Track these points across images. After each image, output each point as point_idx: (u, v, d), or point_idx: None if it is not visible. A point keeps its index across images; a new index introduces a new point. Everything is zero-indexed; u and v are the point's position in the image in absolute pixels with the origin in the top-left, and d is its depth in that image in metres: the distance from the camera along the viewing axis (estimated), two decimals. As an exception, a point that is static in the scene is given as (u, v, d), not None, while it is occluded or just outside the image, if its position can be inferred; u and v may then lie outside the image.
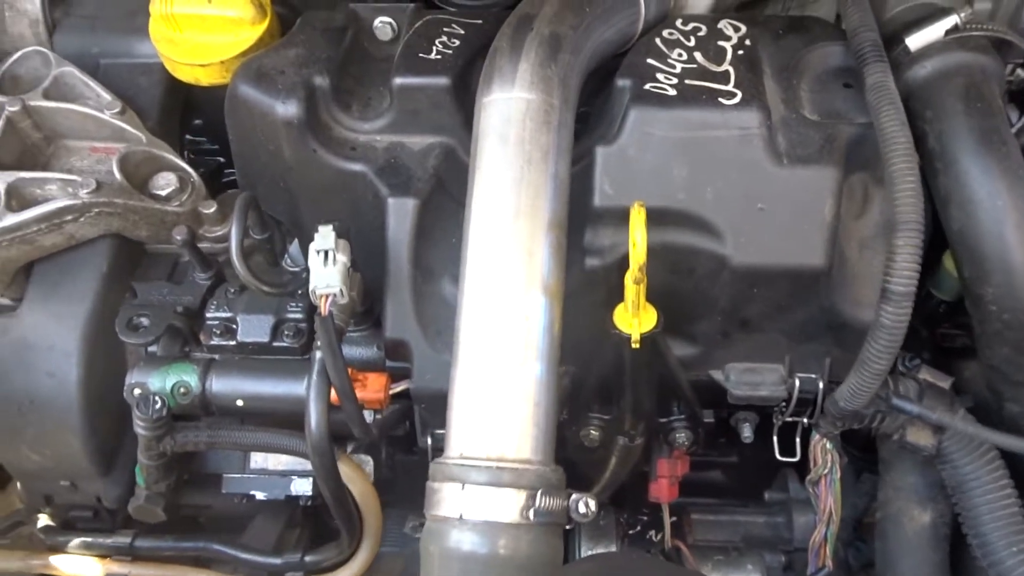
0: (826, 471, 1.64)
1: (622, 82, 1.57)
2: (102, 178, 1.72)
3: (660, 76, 1.56)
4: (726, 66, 1.58)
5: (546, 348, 1.31)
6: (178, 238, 1.71)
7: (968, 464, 1.56)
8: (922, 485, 1.66)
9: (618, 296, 1.42)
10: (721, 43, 1.62)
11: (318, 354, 1.45)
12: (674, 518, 1.88)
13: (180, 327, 1.74)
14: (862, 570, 1.90)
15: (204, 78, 1.80)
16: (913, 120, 1.49)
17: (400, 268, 1.60)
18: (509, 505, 1.22)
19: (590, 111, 1.68)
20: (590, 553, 1.85)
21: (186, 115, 2.05)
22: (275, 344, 1.72)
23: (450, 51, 1.66)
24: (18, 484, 1.91)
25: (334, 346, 1.42)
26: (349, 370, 1.47)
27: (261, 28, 1.77)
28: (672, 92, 1.54)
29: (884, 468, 1.71)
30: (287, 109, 1.61)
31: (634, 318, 1.42)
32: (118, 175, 1.73)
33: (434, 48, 1.67)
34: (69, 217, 1.69)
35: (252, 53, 1.75)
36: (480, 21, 1.73)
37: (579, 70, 1.51)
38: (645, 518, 1.92)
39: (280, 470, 1.86)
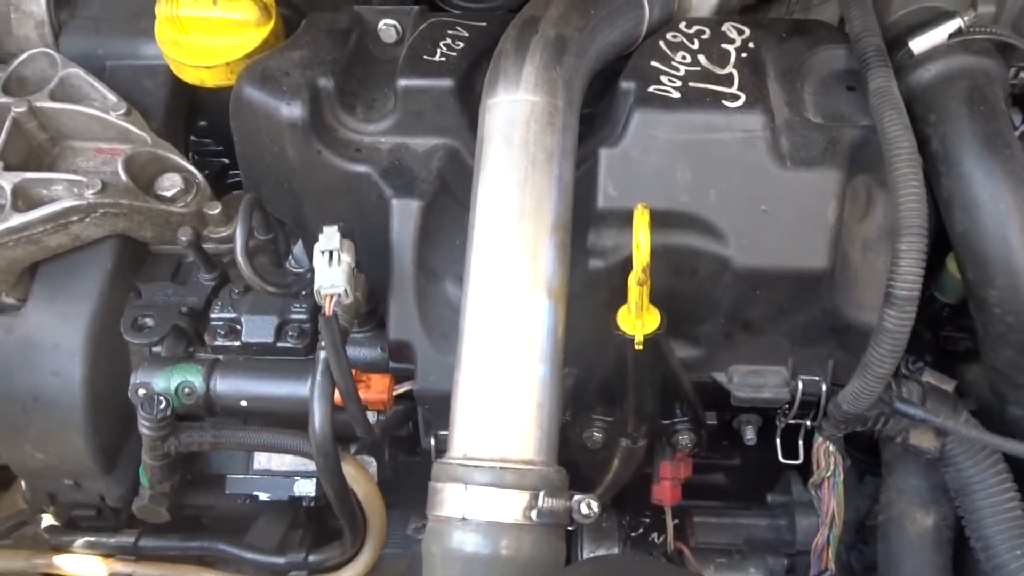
0: (829, 474, 1.64)
1: (626, 84, 1.57)
2: (107, 179, 1.72)
3: (664, 78, 1.57)
4: (730, 69, 1.58)
5: (550, 349, 1.31)
6: (183, 239, 1.71)
7: (971, 467, 1.56)
8: (925, 488, 1.66)
9: (621, 298, 1.42)
10: (725, 46, 1.62)
11: (322, 354, 1.45)
12: (676, 520, 1.88)
13: (184, 327, 1.75)
14: (864, 573, 1.90)
15: (209, 80, 1.80)
16: (916, 123, 1.49)
17: (404, 269, 1.60)
18: (512, 506, 1.22)
19: (594, 113, 1.68)
20: (592, 555, 1.85)
21: (191, 117, 2.05)
22: (279, 345, 1.73)
23: (454, 53, 1.67)
24: (23, 484, 1.91)
25: (338, 346, 1.42)
26: (353, 371, 1.47)
27: (266, 30, 1.78)
28: (676, 94, 1.54)
29: (887, 471, 1.71)
30: (292, 110, 1.61)
31: (637, 320, 1.42)
32: (123, 176, 1.74)
33: (438, 50, 1.67)
34: (75, 217, 1.69)
35: (257, 55, 1.75)
36: (484, 23, 1.73)
37: (584, 72, 1.52)
38: (647, 520, 1.92)
39: (283, 471, 1.85)
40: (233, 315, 1.75)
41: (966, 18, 1.56)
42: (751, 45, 1.63)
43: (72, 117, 1.81)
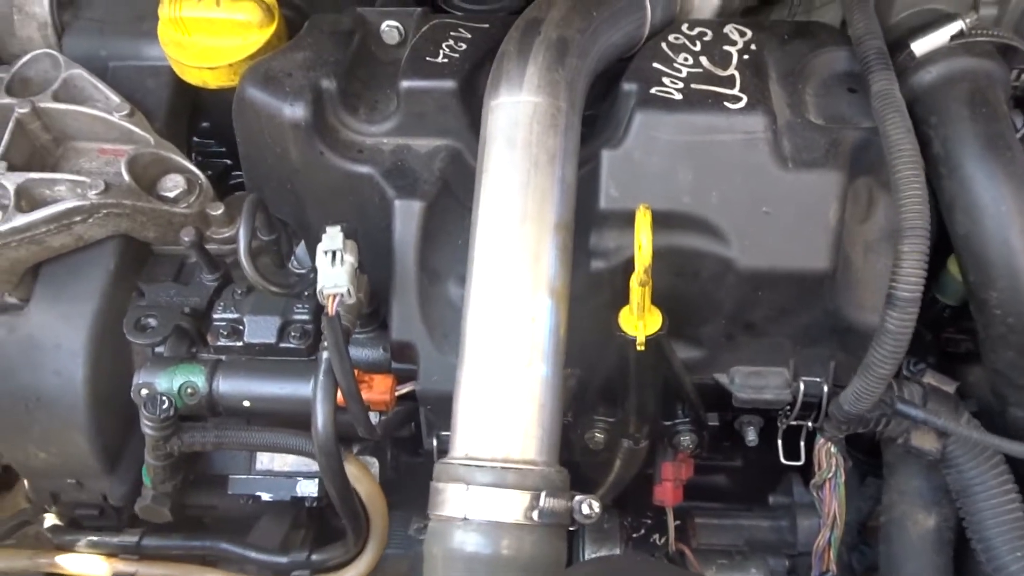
0: (830, 475, 1.64)
1: (628, 86, 1.57)
2: (111, 179, 1.73)
3: (666, 80, 1.57)
4: (732, 70, 1.58)
5: (552, 350, 1.32)
6: (186, 239, 1.71)
7: (973, 468, 1.56)
8: (926, 489, 1.66)
9: (623, 298, 1.43)
10: (727, 48, 1.62)
11: (325, 355, 1.45)
12: (678, 521, 1.88)
13: (187, 328, 1.75)
14: (866, 574, 1.90)
15: (212, 81, 1.80)
16: (918, 125, 1.49)
17: (406, 270, 1.60)
18: (513, 506, 1.22)
19: (596, 115, 1.68)
20: (594, 556, 1.85)
21: (194, 118, 2.06)
22: (281, 345, 1.73)
23: (457, 55, 1.67)
24: (25, 484, 1.92)
25: (341, 347, 1.43)
26: (355, 371, 1.47)
27: (269, 31, 1.78)
28: (678, 96, 1.54)
29: (888, 472, 1.71)
30: (294, 112, 1.62)
31: (639, 320, 1.42)
32: (126, 177, 1.74)
33: (441, 52, 1.67)
34: (78, 218, 1.70)
35: (260, 56, 1.75)
36: (487, 25, 1.73)
37: (586, 74, 1.52)
38: (649, 521, 1.93)
39: (286, 471, 1.86)
40: (236, 315, 1.75)
41: (968, 20, 1.57)
42: (753, 47, 1.63)
43: (75, 118, 1.82)
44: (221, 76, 1.79)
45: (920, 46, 1.58)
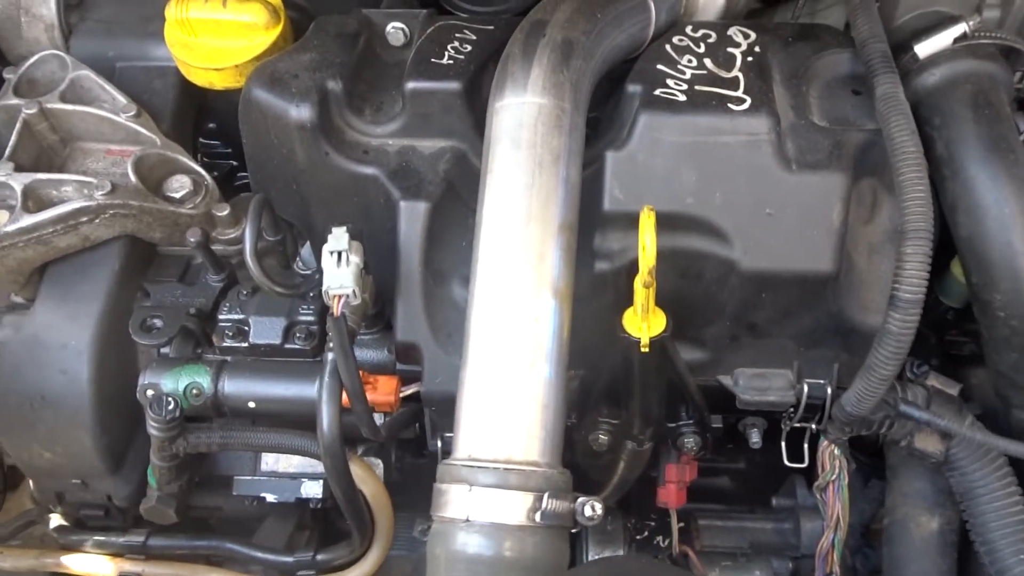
0: (834, 477, 1.64)
1: (632, 87, 1.58)
2: (117, 180, 1.73)
3: (670, 82, 1.57)
4: (735, 72, 1.59)
5: (555, 351, 1.32)
6: (192, 240, 1.72)
7: (976, 471, 1.56)
8: (930, 491, 1.66)
9: (627, 300, 1.43)
10: (731, 49, 1.63)
11: (330, 356, 1.45)
12: (681, 523, 1.88)
13: (193, 329, 1.75)
14: (869, 576, 1.91)
15: (218, 82, 1.81)
16: (921, 127, 1.49)
17: (411, 271, 1.60)
18: (516, 507, 1.22)
19: (600, 116, 1.68)
20: (597, 557, 1.85)
21: (200, 118, 2.06)
22: (287, 346, 1.73)
23: (462, 56, 1.67)
24: (31, 484, 1.92)
25: (346, 347, 1.43)
26: (360, 372, 1.48)
27: (275, 33, 1.79)
28: (682, 98, 1.55)
29: (892, 474, 1.71)
30: (300, 113, 1.62)
31: (643, 322, 1.42)
32: (133, 177, 1.74)
33: (446, 53, 1.67)
34: (84, 218, 1.70)
35: (266, 57, 1.76)
36: (491, 27, 1.74)
37: (590, 75, 1.52)
38: (652, 523, 1.92)
39: (290, 472, 1.86)
40: (241, 316, 1.75)
41: (971, 23, 1.57)
42: (757, 49, 1.63)
43: (82, 119, 1.82)
44: (227, 77, 1.80)
45: (923, 48, 1.58)
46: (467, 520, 1.23)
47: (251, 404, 1.71)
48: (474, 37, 1.72)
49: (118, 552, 1.89)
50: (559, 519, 1.24)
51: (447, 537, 1.24)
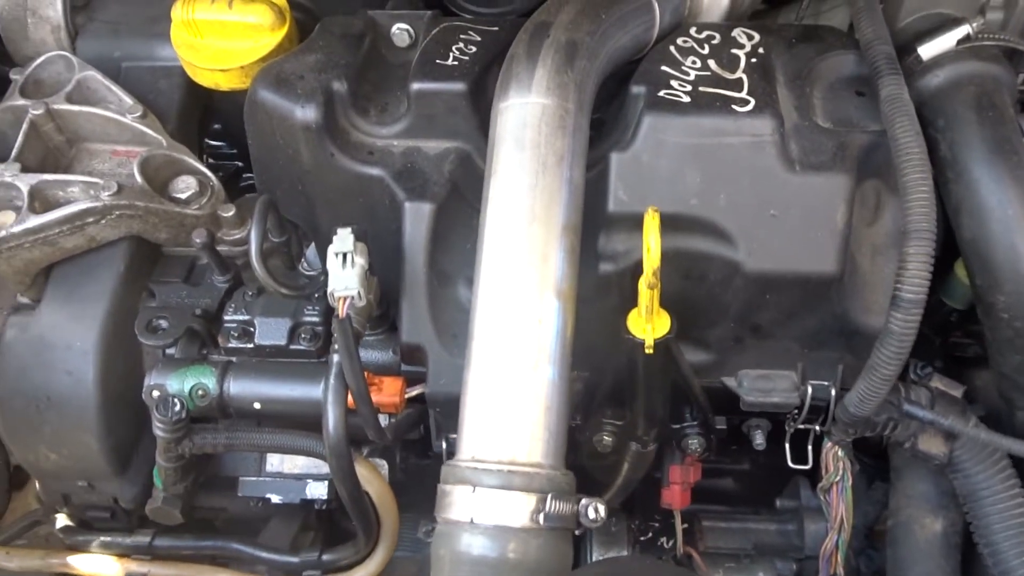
0: (838, 479, 1.64)
1: (636, 89, 1.58)
2: (123, 181, 1.74)
3: (674, 83, 1.57)
4: (739, 74, 1.59)
5: (558, 352, 1.32)
6: (197, 241, 1.72)
7: (980, 473, 1.56)
8: (933, 493, 1.66)
9: (631, 301, 1.43)
10: (735, 51, 1.63)
11: (335, 357, 1.45)
12: (685, 525, 1.88)
13: (198, 329, 1.75)
14: (872, 577, 1.91)
15: (224, 83, 1.81)
16: (925, 129, 1.49)
17: (416, 272, 1.61)
18: (519, 509, 1.23)
19: (604, 117, 1.68)
20: (601, 558, 1.85)
21: (205, 119, 2.07)
22: (292, 347, 1.73)
23: (467, 57, 1.67)
24: (36, 484, 1.92)
25: (351, 349, 1.43)
26: (365, 374, 1.48)
27: (280, 34, 1.79)
28: (686, 99, 1.55)
29: (896, 476, 1.71)
30: (306, 113, 1.62)
31: (647, 323, 1.42)
32: (139, 178, 1.75)
33: (451, 54, 1.68)
34: (91, 219, 1.71)
35: (272, 58, 1.76)
36: (496, 28, 1.74)
37: (595, 76, 1.53)
38: (657, 524, 1.93)
39: (295, 473, 1.86)
40: (246, 317, 1.75)
41: (975, 24, 1.57)
42: (761, 50, 1.64)
43: (89, 119, 1.83)
44: (233, 78, 1.80)
45: (927, 50, 1.59)
46: (471, 521, 1.23)
47: (256, 405, 1.71)
48: (479, 38, 1.72)
49: (124, 552, 1.89)
50: (562, 521, 1.24)
51: (451, 538, 1.25)
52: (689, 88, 1.57)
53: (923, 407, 1.55)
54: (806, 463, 1.70)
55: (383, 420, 1.65)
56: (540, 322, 1.31)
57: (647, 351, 1.44)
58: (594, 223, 1.52)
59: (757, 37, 1.66)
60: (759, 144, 1.52)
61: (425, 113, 1.65)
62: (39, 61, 1.88)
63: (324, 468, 1.79)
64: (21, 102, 1.80)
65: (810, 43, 1.69)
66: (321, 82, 1.66)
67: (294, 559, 1.84)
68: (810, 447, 1.69)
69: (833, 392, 1.58)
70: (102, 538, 1.90)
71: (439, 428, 1.73)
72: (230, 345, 1.74)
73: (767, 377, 1.61)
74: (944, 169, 1.52)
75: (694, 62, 1.61)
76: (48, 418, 1.71)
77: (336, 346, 1.44)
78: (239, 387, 1.70)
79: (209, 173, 1.83)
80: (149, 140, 1.82)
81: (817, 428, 1.66)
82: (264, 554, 1.85)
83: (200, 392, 1.69)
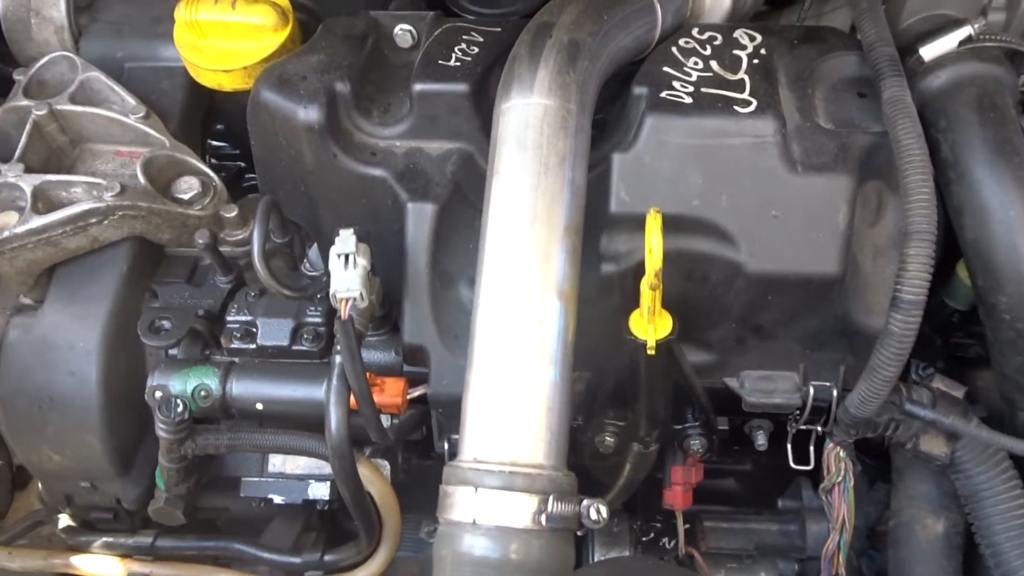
0: (840, 479, 1.64)
1: (638, 90, 1.58)
2: (126, 181, 1.74)
3: (676, 84, 1.58)
4: (741, 75, 1.59)
5: (560, 353, 1.32)
6: (200, 241, 1.72)
7: (981, 474, 1.56)
8: (935, 494, 1.66)
9: (633, 302, 1.43)
10: (737, 52, 1.63)
11: (338, 358, 1.45)
12: (687, 525, 1.88)
13: (201, 330, 1.76)
14: (874, 578, 1.91)
15: (227, 83, 1.82)
16: (927, 130, 1.50)
17: (418, 273, 1.61)
18: (521, 510, 1.23)
19: (606, 118, 1.69)
20: (603, 559, 1.85)
21: (208, 120, 2.07)
22: (294, 348, 1.73)
23: (469, 58, 1.67)
24: (39, 485, 1.92)
25: (354, 350, 1.43)
26: (367, 374, 1.48)
27: (283, 35, 1.79)
28: (688, 100, 1.55)
29: (897, 477, 1.72)
30: (308, 114, 1.62)
31: (650, 324, 1.43)
32: (142, 179, 1.75)
33: (453, 55, 1.68)
34: (94, 220, 1.71)
35: (274, 59, 1.76)
36: (499, 29, 1.74)
37: (597, 77, 1.53)
38: (659, 525, 1.93)
39: (298, 474, 1.86)
40: (249, 318, 1.76)
41: (976, 26, 1.58)
42: (763, 51, 1.64)
43: (92, 120, 1.83)
44: (236, 79, 1.81)
45: (929, 51, 1.59)
46: (473, 522, 1.23)
47: (259, 406, 1.71)
48: (481, 39, 1.72)
49: (126, 553, 1.89)
50: (564, 522, 1.24)
51: (453, 539, 1.25)
52: (691, 89, 1.57)
53: (925, 406, 1.55)
54: (808, 464, 1.70)
55: (385, 421, 1.65)
56: (542, 323, 1.31)
57: (649, 352, 1.44)
58: (596, 224, 1.53)
59: (759, 38, 1.66)
60: (761, 145, 1.52)
61: (427, 114, 1.65)
62: (43, 62, 1.88)
63: (326, 469, 1.79)
64: (25, 103, 1.80)
65: (812, 44, 1.69)
66: (324, 83, 1.66)
67: (296, 559, 1.84)
68: (812, 448, 1.70)
69: (835, 393, 1.59)
70: (104, 538, 1.90)
71: (441, 429, 1.74)
72: (233, 346, 1.75)
73: (769, 378, 1.61)
74: (946, 170, 1.52)
75: (696, 63, 1.61)
76: (51, 419, 1.72)
77: (338, 347, 1.44)
78: (241, 388, 1.71)
79: (212, 174, 1.83)
80: (152, 141, 1.82)
81: (819, 429, 1.66)
82: (266, 555, 1.85)
83: (203, 393, 1.69)
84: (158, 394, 1.68)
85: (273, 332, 1.74)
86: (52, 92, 1.85)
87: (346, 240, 1.46)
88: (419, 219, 1.60)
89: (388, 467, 1.87)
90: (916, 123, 1.47)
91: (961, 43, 1.58)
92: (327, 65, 1.69)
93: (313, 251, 1.84)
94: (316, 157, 1.66)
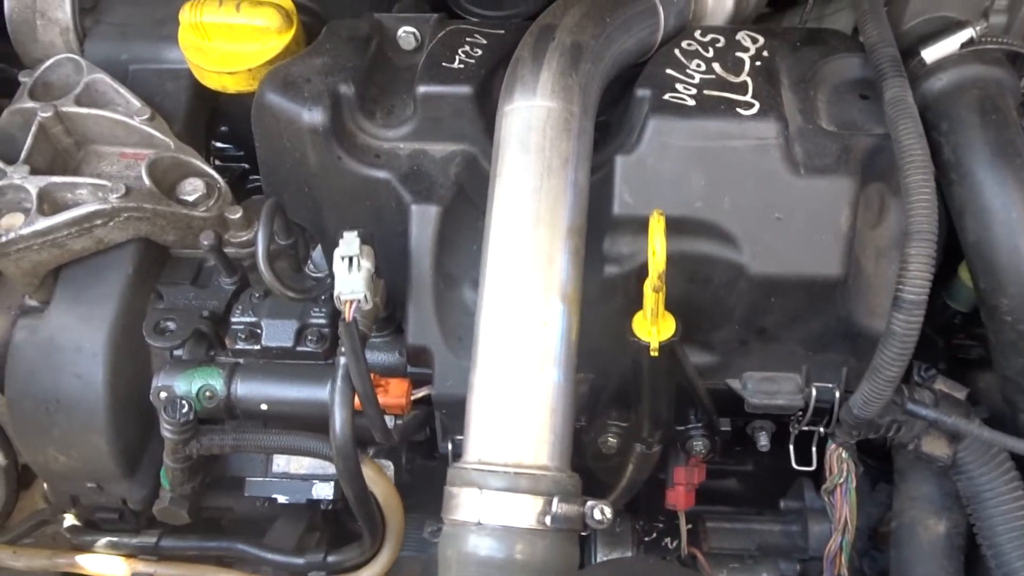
0: (842, 480, 1.65)
1: (641, 92, 1.58)
2: (131, 183, 1.74)
3: (679, 86, 1.58)
4: (744, 77, 1.59)
5: (564, 354, 1.32)
6: (205, 243, 1.73)
7: (983, 475, 1.56)
8: (937, 495, 1.66)
9: (637, 304, 1.44)
10: (739, 54, 1.63)
11: (342, 359, 1.46)
12: (690, 526, 1.88)
13: (206, 331, 1.76)
14: (876, 579, 1.91)
15: (231, 86, 1.82)
16: (928, 132, 1.50)
17: (422, 274, 1.61)
18: (526, 511, 1.23)
19: (609, 120, 1.69)
20: (606, 559, 1.86)
21: (212, 122, 2.07)
22: (299, 349, 1.73)
23: (472, 60, 1.67)
24: (44, 484, 1.93)
25: (358, 351, 1.43)
26: (371, 376, 1.48)
27: (287, 37, 1.79)
28: (691, 102, 1.55)
29: (899, 478, 1.72)
30: (313, 116, 1.63)
31: (653, 326, 1.43)
32: (147, 180, 1.75)
33: (457, 57, 1.68)
34: (99, 221, 1.71)
35: (279, 61, 1.76)
36: (502, 31, 1.74)
37: (599, 79, 1.53)
38: (661, 525, 1.93)
39: (302, 474, 1.87)
40: (253, 319, 1.76)
41: (978, 28, 1.58)
42: (765, 53, 1.64)
43: (97, 122, 1.83)
44: (240, 81, 1.81)
45: (931, 53, 1.59)
46: (478, 523, 1.23)
47: (263, 406, 1.71)
48: (484, 41, 1.72)
49: (131, 552, 1.90)
50: (569, 523, 1.24)
51: (458, 539, 1.25)
52: (694, 91, 1.57)
53: (927, 406, 1.56)
54: (810, 464, 1.70)
55: (389, 421, 1.66)
56: (545, 324, 1.31)
57: (652, 354, 1.44)
58: (599, 226, 1.53)
59: (761, 40, 1.66)
60: (763, 147, 1.52)
61: (431, 116, 1.66)
62: (48, 64, 1.89)
63: (330, 469, 1.80)
64: (30, 104, 1.80)
65: (814, 46, 1.69)
66: (328, 85, 1.66)
67: (299, 560, 1.85)
68: (814, 449, 1.70)
69: (837, 394, 1.59)
70: (108, 538, 1.91)
71: (445, 430, 1.74)
72: (237, 347, 1.75)
73: (771, 379, 1.61)
74: (948, 172, 1.53)
75: (699, 65, 1.62)
76: (57, 420, 1.72)
77: (343, 348, 1.45)
78: (246, 388, 1.71)
79: (216, 175, 1.83)
80: (157, 142, 1.83)
81: (821, 430, 1.66)
82: (269, 555, 1.86)
83: (207, 393, 1.69)
84: (163, 395, 1.68)
85: (277, 333, 1.74)
86: (57, 94, 1.85)
87: (350, 242, 1.46)
88: (423, 221, 1.61)
89: (392, 467, 1.87)
90: (918, 123, 1.47)
91: (963, 45, 1.58)
92: (331, 67, 1.70)
93: (317, 253, 1.84)
94: (320, 159, 1.66)
